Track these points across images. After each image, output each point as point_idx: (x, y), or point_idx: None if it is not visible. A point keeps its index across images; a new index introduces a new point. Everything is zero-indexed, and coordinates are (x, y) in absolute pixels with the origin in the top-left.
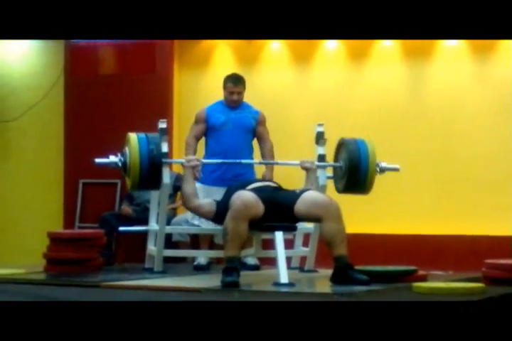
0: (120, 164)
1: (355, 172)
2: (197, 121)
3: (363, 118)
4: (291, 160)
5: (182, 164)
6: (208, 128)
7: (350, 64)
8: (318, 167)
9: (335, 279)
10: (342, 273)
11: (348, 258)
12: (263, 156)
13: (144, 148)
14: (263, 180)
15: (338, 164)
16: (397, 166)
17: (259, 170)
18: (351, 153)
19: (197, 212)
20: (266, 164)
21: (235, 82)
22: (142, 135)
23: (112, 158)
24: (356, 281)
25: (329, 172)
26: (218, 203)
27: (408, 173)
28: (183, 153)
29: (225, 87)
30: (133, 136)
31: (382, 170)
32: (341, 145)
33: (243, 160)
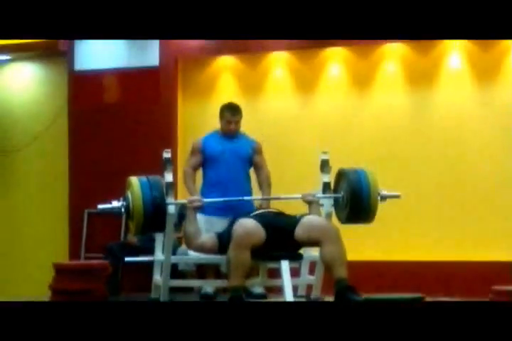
0: (123, 209)
1: (357, 202)
2: (193, 152)
3: (368, 144)
4: (294, 194)
5: (184, 205)
6: (205, 159)
7: (354, 90)
8: (320, 198)
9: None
10: (342, 296)
11: (347, 280)
12: (260, 184)
13: (147, 195)
14: (265, 208)
15: (339, 195)
16: (397, 193)
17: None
18: (352, 182)
19: (202, 250)
20: (268, 200)
21: (232, 112)
22: (144, 179)
23: (115, 204)
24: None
25: None
26: (220, 235)
27: (414, 199)
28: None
29: (222, 117)
30: (135, 182)
31: (383, 198)
32: (341, 175)
33: (246, 197)
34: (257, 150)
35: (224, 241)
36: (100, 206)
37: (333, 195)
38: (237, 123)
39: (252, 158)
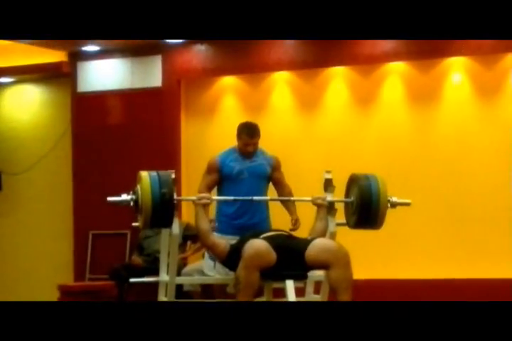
0: (132, 203)
1: (366, 207)
2: (209, 171)
3: (371, 162)
4: (303, 197)
5: (193, 202)
6: (222, 178)
7: (357, 108)
8: (330, 203)
9: None
10: None
11: None
12: (283, 202)
13: (156, 190)
14: (276, 229)
15: (349, 199)
16: (408, 201)
17: (275, 220)
18: (363, 188)
19: (212, 250)
20: (277, 200)
21: (251, 135)
22: (154, 174)
23: (124, 197)
24: None
25: (339, 215)
26: (231, 247)
27: (418, 217)
28: (192, 203)
29: (239, 138)
30: (145, 176)
31: (394, 205)
32: (352, 180)
33: (255, 197)
34: (275, 166)
35: (232, 255)
36: (110, 198)
37: (343, 200)
38: (256, 144)
39: (270, 175)
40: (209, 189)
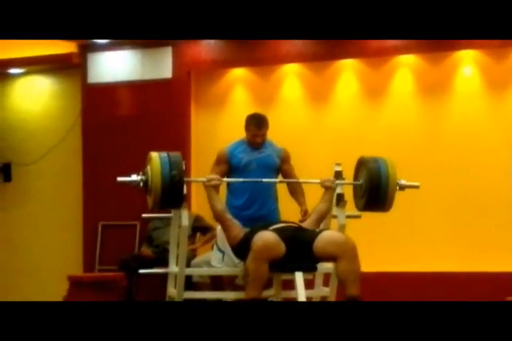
0: (142, 184)
1: (375, 190)
2: (219, 162)
3: (381, 154)
4: (312, 180)
5: (203, 183)
6: (230, 169)
7: (367, 101)
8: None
9: None
10: None
11: (359, 298)
12: (292, 192)
13: (166, 171)
14: (286, 221)
15: (358, 182)
16: (417, 183)
17: (284, 211)
18: (372, 171)
19: (227, 231)
20: (286, 182)
21: (259, 126)
22: (164, 155)
23: (134, 177)
24: None
25: (348, 193)
26: (243, 235)
27: (426, 210)
28: (201, 193)
29: (247, 129)
30: (155, 157)
31: (402, 188)
32: (361, 163)
33: (264, 179)
34: (284, 158)
35: (242, 244)
36: (120, 178)
37: (352, 182)
38: (264, 135)
39: (279, 167)
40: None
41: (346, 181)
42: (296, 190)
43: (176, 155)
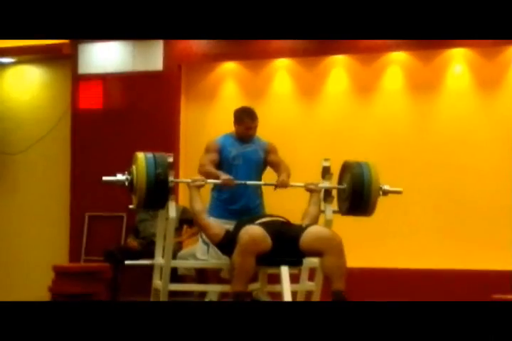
0: (127, 183)
1: (358, 194)
2: (209, 150)
3: (370, 151)
4: (297, 182)
5: (188, 184)
6: (220, 161)
7: (357, 97)
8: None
9: None
10: None
11: (343, 293)
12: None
13: (152, 171)
14: (272, 215)
15: (341, 186)
16: (399, 189)
17: (270, 206)
18: (355, 175)
19: (205, 231)
20: (270, 185)
21: (252, 118)
22: (150, 156)
23: (119, 177)
24: None
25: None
26: (227, 232)
27: (414, 207)
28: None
29: (240, 122)
30: (141, 157)
31: (385, 193)
32: (345, 168)
33: (248, 182)
34: (269, 150)
35: (227, 239)
36: (105, 178)
37: (335, 186)
38: (256, 128)
39: (265, 160)
40: (212, 164)
41: (329, 185)
42: (282, 172)
43: (161, 155)
